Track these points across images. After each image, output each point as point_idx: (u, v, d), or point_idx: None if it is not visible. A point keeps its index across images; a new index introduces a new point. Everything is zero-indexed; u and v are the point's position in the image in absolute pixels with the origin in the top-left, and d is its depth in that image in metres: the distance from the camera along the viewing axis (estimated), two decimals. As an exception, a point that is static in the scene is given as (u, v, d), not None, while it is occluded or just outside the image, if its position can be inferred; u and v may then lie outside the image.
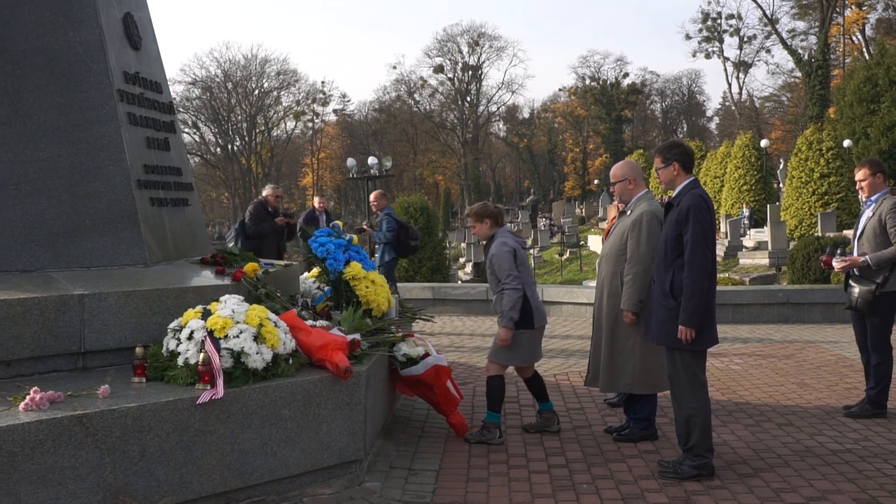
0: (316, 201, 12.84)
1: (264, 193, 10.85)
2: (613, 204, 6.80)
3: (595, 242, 37.60)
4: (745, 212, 34.72)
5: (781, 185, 38.60)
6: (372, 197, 11.21)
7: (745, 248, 29.68)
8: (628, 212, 5.59)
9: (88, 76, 5.46)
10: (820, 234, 23.35)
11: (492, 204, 6.04)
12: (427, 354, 5.56)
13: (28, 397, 3.71)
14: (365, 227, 11.30)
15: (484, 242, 5.89)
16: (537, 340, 5.75)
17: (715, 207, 12.33)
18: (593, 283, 5.77)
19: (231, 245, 8.63)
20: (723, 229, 31.18)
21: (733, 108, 76.50)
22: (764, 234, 29.14)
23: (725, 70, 73.98)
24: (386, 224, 10.45)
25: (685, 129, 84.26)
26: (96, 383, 4.10)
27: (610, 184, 5.91)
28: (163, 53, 6.69)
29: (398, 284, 11.54)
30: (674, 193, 4.95)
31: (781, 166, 45.09)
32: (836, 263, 6.29)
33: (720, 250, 27.89)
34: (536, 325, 5.66)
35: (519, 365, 5.74)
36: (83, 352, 4.55)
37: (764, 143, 39.71)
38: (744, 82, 74.43)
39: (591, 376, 5.79)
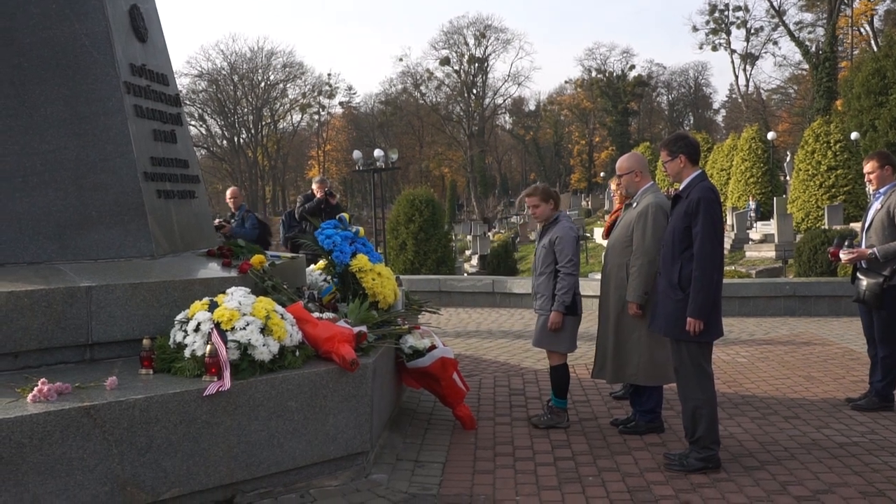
0: (315, 186, 11.49)
1: (313, 187, 11.38)
2: (615, 196, 6.80)
3: (600, 234, 37.53)
4: (752, 204, 34.61)
5: (788, 177, 38.45)
6: (229, 193, 11.20)
7: (752, 240, 29.62)
8: (634, 203, 5.59)
9: (95, 68, 5.46)
10: (827, 227, 23.26)
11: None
12: (433, 346, 5.56)
13: (36, 389, 3.72)
14: (221, 222, 10.92)
15: (541, 224, 5.91)
16: (577, 329, 5.84)
17: (721, 200, 12.32)
18: (598, 276, 5.76)
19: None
20: (729, 222, 31.10)
21: (740, 100, 76.23)
22: (770, 226, 29.08)
23: (732, 62, 73.78)
24: (250, 221, 10.53)
25: (691, 122, 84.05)
26: (104, 375, 4.11)
27: (609, 181, 5.99)
28: (169, 46, 6.69)
29: (402, 277, 11.54)
30: (681, 186, 4.94)
31: (788, 159, 44.93)
32: (844, 255, 6.27)
33: (726, 243, 27.81)
34: (580, 314, 5.81)
35: (570, 351, 5.80)
36: (91, 343, 4.56)
37: (771, 135, 39.56)
38: (751, 74, 74.16)
39: (597, 368, 5.79)
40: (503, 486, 4.58)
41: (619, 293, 5.54)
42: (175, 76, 6.77)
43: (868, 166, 6.29)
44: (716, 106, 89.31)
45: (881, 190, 6.21)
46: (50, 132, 5.28)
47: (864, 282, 6.14)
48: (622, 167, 5.70)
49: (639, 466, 4.91)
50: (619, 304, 5.55)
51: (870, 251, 6.06)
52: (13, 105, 5.25)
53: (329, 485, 4.47)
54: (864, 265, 6.19)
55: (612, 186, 6.82)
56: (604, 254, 5.92)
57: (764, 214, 33.54)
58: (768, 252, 26.80)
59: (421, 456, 5.11)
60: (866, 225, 6.26)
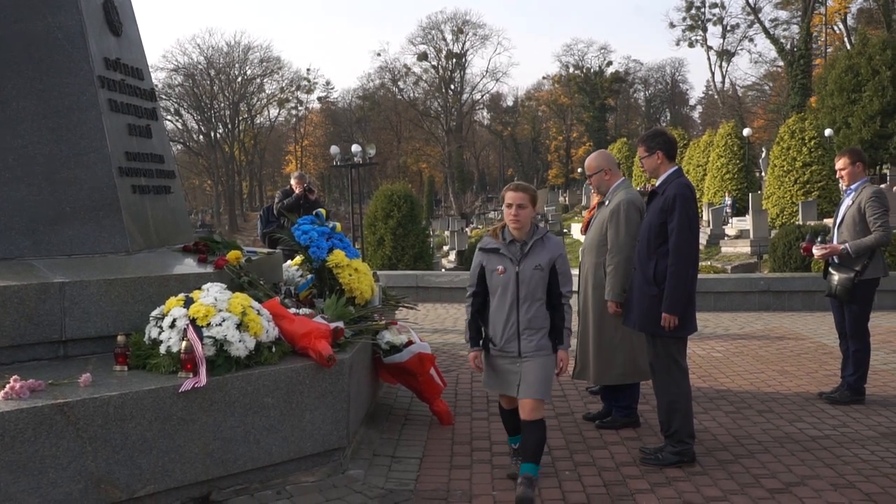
0: (293, 182, 11.35)
1: (291, 182, 11.33)
2: (594, 192, 6.80)
3: (577, 230, 37.68)
4: (728, 200, 34.91)
5: (763, 173, 38.82)
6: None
7: (727, 236, 29.89)
8: (606, 202, 5.58)
9: (68, 62, 5.39)
10: (801, 223, 23.51)
11: None
12: (410, 342, 5.56)
13: (8, 386, 3.68)
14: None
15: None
16: None
17: (697, 196, 12.38)
18: (576, 272, 5.73)
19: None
20: (705, 217, 31.36)
21: (716, 96, 76.79)
22: (746, 222, 29.36)
23: (709, 59, 74.33)
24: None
25: (668, 118, 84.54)
26: (77, 372, 4.07)
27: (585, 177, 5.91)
28: (144, 40, 6.63)
29: (380, 272, 11.53)
30: (658, 182, 4.97)
31: (763, 155, 45.35)
32: (817, 250, 6.34)
33: (702, 239, 28.02)
34: None
35: None
36: (64, 340, 4.51)
37: (746, 131, 39.93)
38: (727, 71, 74.68)
39: (579, 369, 5.78)
40: (480, 480, 4.59)
41: (598, 293, 5.55)
42: (150, 70, 6.71)
43: (840, 163, 6.36)
44: (692, 102, 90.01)
45: (852, 186, 6.29)
46: (23, 127, 5.22)
47: (836, 277, 6.21)
48: (591, 166, 5.68)
49: (615, 461, 4.94)
50: (599, 305, 5.55)
51: (842, 247, 6.13)
52: (-16, 99, 5.17)
53: (306, 481, 4.46)
54: (836, 260, 6.26)
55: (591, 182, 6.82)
56: (580, 251, 5.90)
57: (739, 210, 33.84)
58: (744, 248, 27.05)
59: (398, 451, 5.11)
60: (838, 221, 6.34)
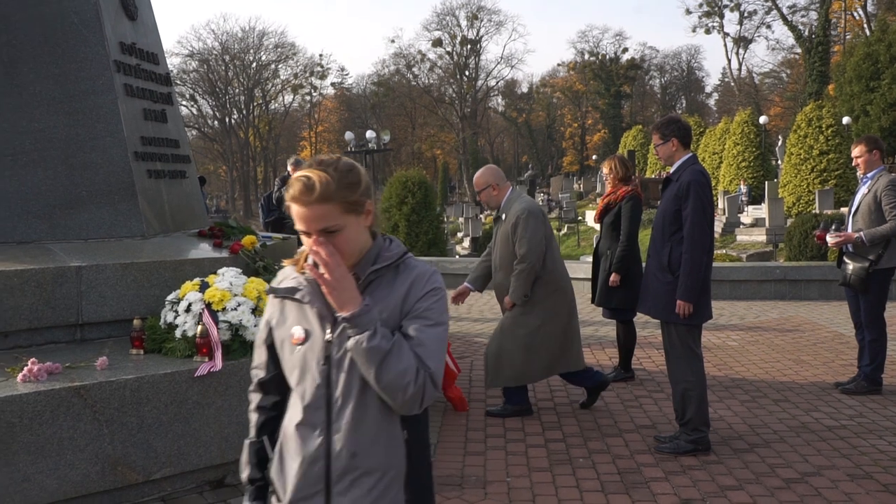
0: (289, 167, 10.99)
1: (289, 169, 11.16)
2: (607, 180, 6.76)
3: (591, 217, 37.56)
4: (743, 188, 34.64)
5: (780, 161, 38.52)
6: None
7: (743, 224, 29.69)
8: (503, 216, 5.56)
9: (84, 46, 5.40)
10: (818, 212, 23.33)
11: None
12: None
13: (26, 368, 3.71)
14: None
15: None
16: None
17: (713, 184, 12.28)
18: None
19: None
20: (720, 206, 31.14)
21: (732, 84, 76.12)
22: (761, 210, 29.13)
23: (725, 46, 73.64)
24: None
25: (684, 105, 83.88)
26: (94, 355, 4.10)
27: (601, 164, 5.88)
28: (159, 24, 6.63)
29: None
30: (672, 169, 4.95)
31: (780, 143, 44.97)
32: (831, 238, 6.28)
33: (717, 227, 27.87)
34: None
35: None
36: (81, 323, 4.54)
37: (763, 119, 39.55)
38: (743, 58, 74.18)
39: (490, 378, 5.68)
40: (494, 467, 4.59)
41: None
42: (165, 56, 6.71)
43: (856, 150, 6.29)
44: (708, 89, 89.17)
45: (868, 174, 6.22)
46: (39, 111, 5.23)
47: (850, 266, 6.16)
48: (477, 183, 5.69)
49: (629, 448, 4.94)
50: (511, 316, 5.52)
51: (856, 235, 6.07)
52: (2, 83, 5.19)
53: (320, 465, 4.46)
54: (850, 249, 6.20)
55: (605, 170, 6.79)
56: (493, 267, 5.75)
57: (755, 198, 33.58)
58: (759, 236, 26.85)
59: (412, 437, 5.11)
60: (853, 209, 6.28)
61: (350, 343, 1.90)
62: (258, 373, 2.18)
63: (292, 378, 2.04)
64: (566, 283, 5.59)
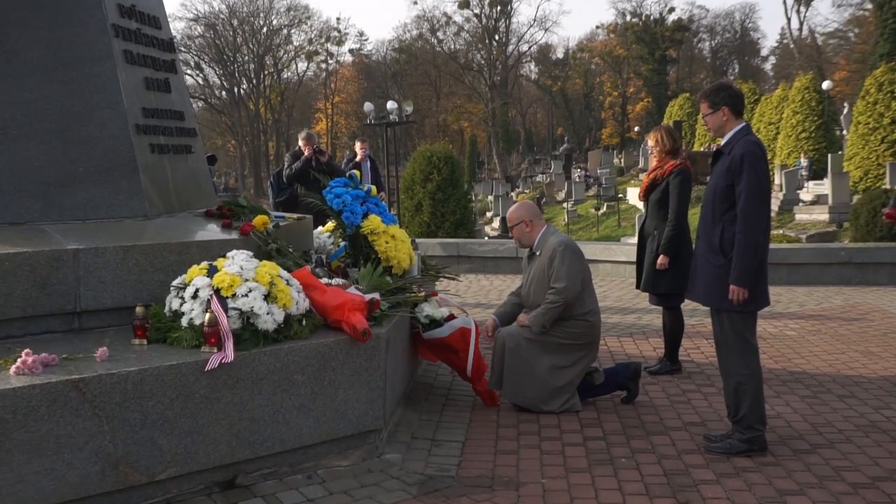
0: (357, 146, 12.71)
1: (300, 143, 11.35)
2: (653, 153, 6.72)
3: (634, 195, 37.30)
4: (803, 162, 34.24)
5: (845, 131, 37.96)
6: (360, 145, 11.36)
7: (802, 202, 29.35)
8: (538, 252, 5.76)
9: (79, 9, 5.41)
10: (888, 187, 22.99)
11: None
12: (452, 316, 5.56)
13: (20, 360, 3.73)
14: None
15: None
16: None
17: (769, 157, 12.14)
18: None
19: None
20: (777, 181, 30.80)
21: (792, 46, 75.00)
22: (824, 186, 28.77)
23: (784, 3, 72.43)
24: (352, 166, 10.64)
25: (737, 71, 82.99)
26: (93, 345, 4.12)
27: (645, 136, 5.90)
28: (161, -15, 6.63)
29: (418, 240, 11.55)
30: (723, 141, 4.88)
31: (846, 111, 44.33)
32: (905, 217, 6.18)
33: (774, 204, 27.59)
34: None
35: None
36: (79, 311, 4.57)
37: (826, 84, 38.92)
38: (805, 16, 72.76)
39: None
40: (528, 467, 4.59)
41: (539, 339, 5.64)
42: (168, 20, 6.72)
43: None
44: (764, 53, 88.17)
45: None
46: (31, 80, 5.26)
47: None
48: (510, 218, 5.94)
49: (676, 448, 4.91)
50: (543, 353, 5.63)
51: (936, 212, 5.97)
52: (-10, 50, 5.22)
53: (339, 465, 4.49)
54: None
55: (650, 143, 6.73)
56: (524, 304, 5.92)
57: (817, 173, 33.17)
58: (821, 215, 26.55)
59: (438, 434, 5.12)
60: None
61: None
62: None
63: None
64: (598, 333, 5.82)
